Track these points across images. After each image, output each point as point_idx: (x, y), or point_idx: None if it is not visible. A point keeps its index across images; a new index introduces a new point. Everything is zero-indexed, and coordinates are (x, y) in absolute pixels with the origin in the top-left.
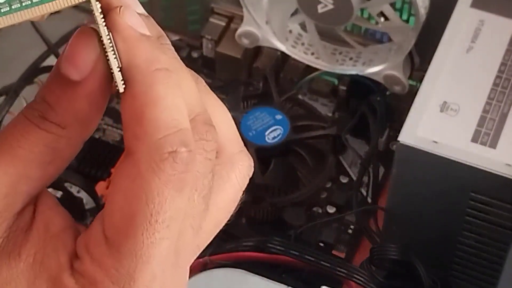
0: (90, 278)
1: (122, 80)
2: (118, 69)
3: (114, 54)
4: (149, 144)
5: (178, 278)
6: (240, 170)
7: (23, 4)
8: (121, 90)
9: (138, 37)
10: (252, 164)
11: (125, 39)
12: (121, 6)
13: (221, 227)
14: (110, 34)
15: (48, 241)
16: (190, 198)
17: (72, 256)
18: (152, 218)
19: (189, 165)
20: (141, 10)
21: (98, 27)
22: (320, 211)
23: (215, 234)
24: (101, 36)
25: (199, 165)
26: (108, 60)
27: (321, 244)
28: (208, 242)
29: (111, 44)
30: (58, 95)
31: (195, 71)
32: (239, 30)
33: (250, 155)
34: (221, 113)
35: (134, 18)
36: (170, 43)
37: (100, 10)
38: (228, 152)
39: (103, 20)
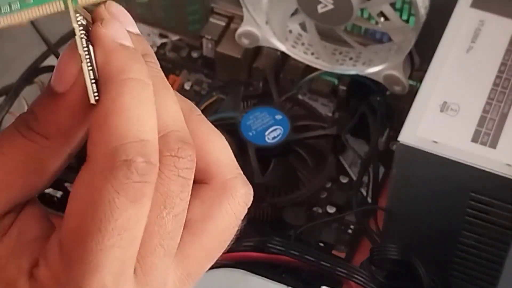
0: (42, 283)
1: (95, 92)
2: (93, 80)
3: (90, 65)
4: (105, 151)
5: None
6: (234, 197)
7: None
8: (92, 101)
9: (115, 47)
10: (251, 192)
11: (103, 48)
12: (103, 19)
13: (216, 257)
14: (90, 45)
15: (17, 248)
16: (158, 215)
17: (34, 263)
18: (101, 224)
19: (146, 176)
20: (134, 29)
21: (75, 38)
22: (320, 211)
23: (210, 263)
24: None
25: (169, 182)
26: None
27: (321, 244)
28: (203, 271)
29: (87, 55)
30: (43, 106)
31: (195, 71)
32: (239, 30)
33: (248, 182)
34: (215, 139)
35: (117, 30)
36: (157, 63)
37: (77, 20)
38: (221, 178)
39: (80, 30)
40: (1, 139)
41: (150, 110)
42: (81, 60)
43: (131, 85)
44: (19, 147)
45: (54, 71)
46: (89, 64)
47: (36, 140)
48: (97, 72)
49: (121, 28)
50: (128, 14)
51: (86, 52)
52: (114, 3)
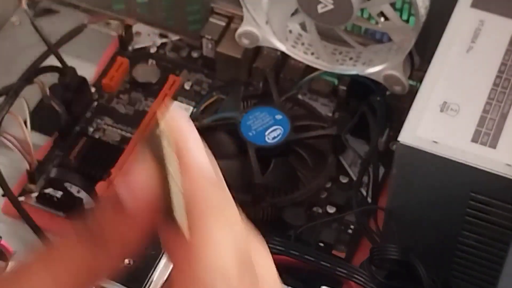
0: None
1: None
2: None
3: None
4: (194, 280)
5: None
6: None
7: None
8: (187, 236)
9: (206, 180)
10: None
11: (190, 178)
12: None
13: None
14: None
15: None
16: None
17: None
18: None
19: None
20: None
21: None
22: (320, 211)
23: None
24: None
25: None
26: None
27: (321, 244)
28: None
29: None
30: (110, 221)
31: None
32: (239, 30)
33: None
34: (265, 259)
35: (204, 159)
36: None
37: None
38: None
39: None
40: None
41: (232, 239)
42: (171, 188)
43: (218, 220)
44: (79, 257)
45: (124, 186)
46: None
47: (97, 253)
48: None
49: (205, 156)
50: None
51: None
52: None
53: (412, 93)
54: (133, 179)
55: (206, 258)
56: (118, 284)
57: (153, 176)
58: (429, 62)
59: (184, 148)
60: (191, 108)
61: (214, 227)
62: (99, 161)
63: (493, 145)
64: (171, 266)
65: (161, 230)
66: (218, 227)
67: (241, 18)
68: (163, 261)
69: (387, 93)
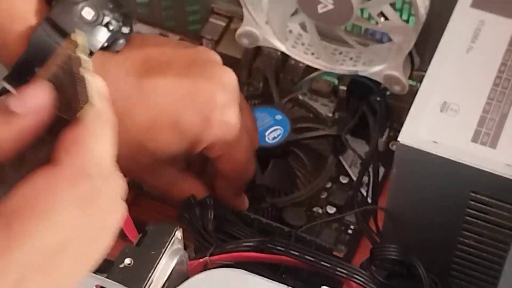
0: None
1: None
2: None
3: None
4: (76, 163)
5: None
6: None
7: None
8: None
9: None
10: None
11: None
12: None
13: None
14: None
15: None
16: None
17: None
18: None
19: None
20: None
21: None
22: (320, 211)
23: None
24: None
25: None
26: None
27: (321, 244)
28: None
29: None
30: None
31: None
32: (239, 30)
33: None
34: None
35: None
36: None
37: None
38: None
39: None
40: None
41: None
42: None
43: (109, 126)
44: None
45: (17, 95)
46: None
47: None
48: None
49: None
50: None
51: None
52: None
53: (412, 93)
54: (26, 91)
55: (91, 147)
56: (118, 284)
57: (47, 89)
58: (429, 62)
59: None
60: None
61: (98, 130)
62: None
63: (493, 145)
64: (171, 266)
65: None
66: (102, 133)
67: (241, 18)
68: (163, 261)
69: (387, 93)
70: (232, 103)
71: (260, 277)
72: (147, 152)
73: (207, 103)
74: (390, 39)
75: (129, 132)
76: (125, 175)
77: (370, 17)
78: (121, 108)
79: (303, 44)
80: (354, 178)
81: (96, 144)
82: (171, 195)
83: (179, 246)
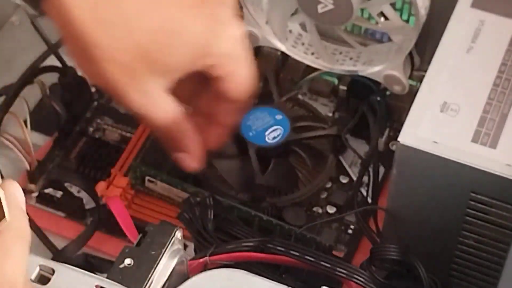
0: None
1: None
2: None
3: None
4: None
5: None
6: None
7: None
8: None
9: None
10: None
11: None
12: None
13: None
14: None
15: None
16: None
17: None
18: None
19: None
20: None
21: None
22: (320, 211)
23: None
24: None
25: None
26: None
27: (321, 244)
28: None
29: None
30: None
31: None
32: None
33: None
34: None
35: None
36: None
37: None
38: None
39: None
40: None
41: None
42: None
43: (22, 243)
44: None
45: None
46: None
47: None
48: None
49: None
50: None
51: None
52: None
53: (412, 93)
54: None
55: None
56: (118, 284)
57: None
58: (429, 62)
59: None
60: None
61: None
62: (99, 161)
63: (493, 145)
64: (171, 266)
65: None
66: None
67: (241, 18)
68: (163, 261)
69: (387, 93)
70: (237, 19)
71: (260, 277)
72: (147, 59)
73: (214, 17)
74: (390, 39)
75: (133, 35)
76: (107, 84)
77: (370, 17)
78: (129, 9)
79: (303, 44)
80: (354, 178)
81: (4, 259)
82: (145, 114)
83: (179, 246)
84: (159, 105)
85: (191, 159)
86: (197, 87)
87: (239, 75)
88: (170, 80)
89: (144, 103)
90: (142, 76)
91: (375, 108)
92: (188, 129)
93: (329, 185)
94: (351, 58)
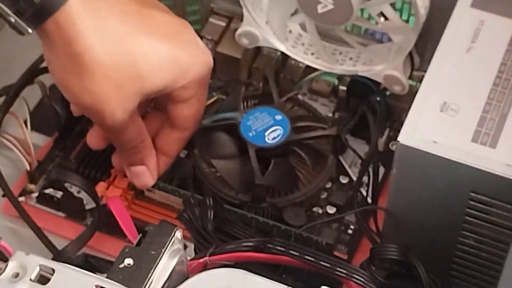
0: None
1: None
2: None
3: None
4: None
5: None
6: None
7: None
8: None
9: None
10: None
11: None
12: None
13: None
14: None
15: None
16: None
17: None
18: None
19: None
20: None
21: None
22: (320, 211)
23: None
24: None
25: None
26: None
27: (321, 244)
28: None
29: None
30: None
31: None
32: (239, 30)
33: None
34: None
35: None
36: None
37: None
38: None
39: None
40: None
41: None
42: None
43: None
44: None
45: None
46: None
47: None
48: None
49: None
50: None
51: None
52: None
53: (412, 93)
54: None
55: None
56: (118, 284)
57: None
58: (429, 62)
59: None
60: None
61: None
62: (99, 161)
63: (493, 145)
64: (171, 266)
65: None
66: None
67: (241, 18)
68: (163, 261)
69: (387, 93)
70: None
71: (260, 277)
72: (139, 79)
73: (193, 42)
74: (390, 39)
75: (129, 54)
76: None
77: (370, 17)
78: (125, 30)
79: (303, 44)
80: (354, 178)
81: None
82: (121, 128)
83: (179, 246)
84: (135, 120)
85: (148, 174)
86: (151, 112)
87: (200, 100)
88: (146, 99)
89: (125, 118)
90: (132, 95)
91: (375, 108)
92: (149, 139)
93: (329, 185)
94: (351, 58)
